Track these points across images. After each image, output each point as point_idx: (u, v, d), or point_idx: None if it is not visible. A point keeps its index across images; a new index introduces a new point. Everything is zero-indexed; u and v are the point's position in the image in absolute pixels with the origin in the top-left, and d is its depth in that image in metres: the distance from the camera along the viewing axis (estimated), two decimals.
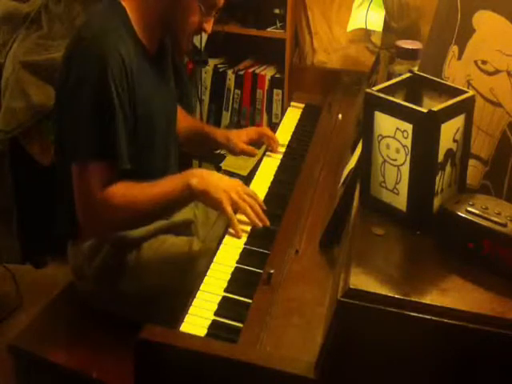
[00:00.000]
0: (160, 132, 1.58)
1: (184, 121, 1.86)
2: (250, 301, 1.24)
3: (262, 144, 1.93)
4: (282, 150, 1.89)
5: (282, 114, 2.28)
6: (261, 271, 1.32)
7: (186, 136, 1.86)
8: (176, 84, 1.73)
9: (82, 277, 1.60)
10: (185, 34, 1.54)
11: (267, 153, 1.90)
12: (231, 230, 1.44)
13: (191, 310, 1.24)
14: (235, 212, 1.45)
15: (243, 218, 1.46)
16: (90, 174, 1.41)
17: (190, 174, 1.48)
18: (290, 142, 1.96)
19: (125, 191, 1.44)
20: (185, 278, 1.51)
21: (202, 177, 1.46)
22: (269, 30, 2.65)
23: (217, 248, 1.42)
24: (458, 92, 1.03)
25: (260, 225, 1.44)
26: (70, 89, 1.41)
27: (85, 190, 1.42)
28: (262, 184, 1.72)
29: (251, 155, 1.93)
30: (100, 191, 1.41)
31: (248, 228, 1.45)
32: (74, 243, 1.60)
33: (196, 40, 2.63)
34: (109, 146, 1.40)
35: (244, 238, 1.44)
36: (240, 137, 1.90)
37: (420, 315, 0.89)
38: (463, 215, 0.96)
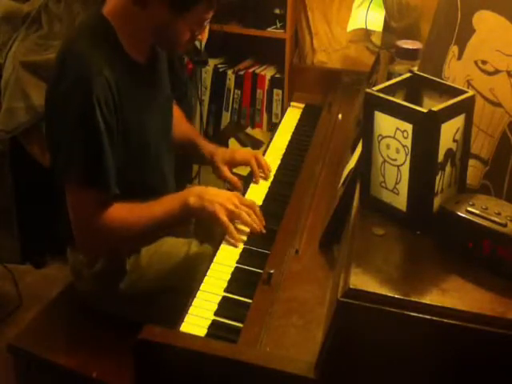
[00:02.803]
0: (154, 143, 1.56)
1: (180, 126, 1.82)
2: (250, 301, 1.24)
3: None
4: (270, 178, 1.76)
5: (282, 114, 2.28)
6: (261, 271, 1.32)
7: (178, 142, 1.81)
8: (174, 87, 1.70)
9: (82, 279, 1.60)
10: (177, 49, 1.52)
11: (267, 151, 1.90)
12: (229, 239, 1.43)
13: (191, 310, 1.24)
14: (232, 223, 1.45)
15: (240, 226, 1.46)
16: (84, 199, 1.40)
17: (187, 193, 1.48)
18: (290, 141, 1.96)
19: (123, 214, 1.43)
20: (184, 279, 1.51)
21: (198, 195, 1.46)
22: (269, 29, 2.65)
23: (217, 248, 1.42)
24: (458, 92, 1.02)
25: (257, 229, 1.44)
26: (56, 114, 1.39)
27: (81, 214, 1.41)
28: (262, 184, 1.72)
29: (234, 186, 1.81)
30: (97, 215, 1.40)
31: (245, 237, 1.45)
32: (74, 248, 1.59)
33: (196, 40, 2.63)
34: (96, 173, 1.37)
35: (244, 238, 1.44)
36: (223, 159, 1.81)
37: (420, 315, 0.89)
38: (463, 215, 0.96)
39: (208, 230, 1.70)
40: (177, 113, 1.82)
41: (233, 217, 1.45)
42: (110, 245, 1.48)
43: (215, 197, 1.47)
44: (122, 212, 1.43)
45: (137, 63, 1.48)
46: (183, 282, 1.49)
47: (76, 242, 1.46)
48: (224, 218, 1.43)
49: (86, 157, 1.37)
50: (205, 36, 1.52)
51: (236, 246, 1.42)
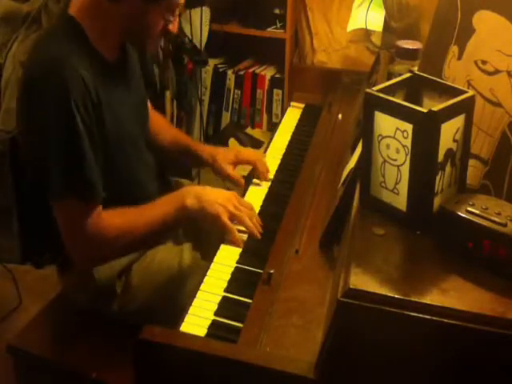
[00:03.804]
0: (132, 143, 1.52)
1: (167, 133, 1.78)
2: (250, 301, 1.24)
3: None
4: (271, 176, 1.77)
5: (282, 114, 2.28)
6: (261, 271, 1.32)
7: (169, 150, 1.78)
8: (146, 85, 1.66)
9: (75, 300, 1.58)
10: (150, 42, 1.47)
11: (267, 151, 1.90)
12: (231, 240, 1.43)
13: (191, 309, 1.24)
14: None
15: (239, 226, 1.45)
16: (71, 208, 1.36)
17: (184, 194, 1.45)
18: (290, 141, 1.96)
19: (116, 222, 1.39)
20: (178, 290, 1.47)
21: (195, 196, 1.44)
22: (269, 30, 2.66)
23: (216, 248, 1.42)
24: (458, 92, 1.03)
25: (258, 235, 1.43)
26: (33, 122, 1.34)
27: (73, 229, 1.37)
28: (262, 184, 1.72)
29: (237, 184, 1.78)
30: (87, 224, 1.35)
31: (245, 236, 1.45)
32: (63, 270, 1.58)
33: (196, 40, 2.63)
34: (81, 181, 1.34)
35: (244, 239, 1.44)
36: (227, 158, 1.77)
37: (420, 315, 0.89)
38: (463, 215, 0.96)
39: (197, 229, 1.67)
40: (162, 121, 1.80)
41: (234, 219, 1.44)
42: (103, 254, 1.44)
43: (214, 197, 1.45)
44: (115, 219, 1.40)
45: (107, 61, 1.44)
46: (174, 300, 1.45)
47: (70, 253, 1.42)
48: (228, 221, 1.42)
49: (68, 164, 1.32)
50: (176, 27, 1.47)
51: (240, 247, 1.41)
